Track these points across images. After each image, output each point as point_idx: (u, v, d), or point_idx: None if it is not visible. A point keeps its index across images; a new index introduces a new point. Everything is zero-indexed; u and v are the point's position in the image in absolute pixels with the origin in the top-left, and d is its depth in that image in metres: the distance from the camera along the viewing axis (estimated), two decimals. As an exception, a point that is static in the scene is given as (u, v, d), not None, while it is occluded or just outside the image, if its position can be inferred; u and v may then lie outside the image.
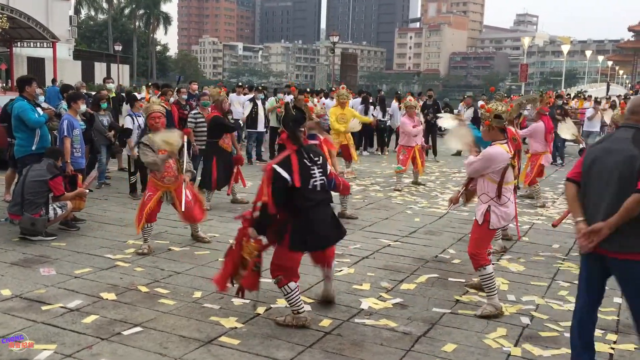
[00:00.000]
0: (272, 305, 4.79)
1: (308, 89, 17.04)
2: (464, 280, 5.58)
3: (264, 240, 4.41)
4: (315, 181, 4.31)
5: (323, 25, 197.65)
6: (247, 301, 4.86)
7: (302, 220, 4.29)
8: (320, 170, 4.37)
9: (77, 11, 64.20)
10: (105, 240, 6.63)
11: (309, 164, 4.30)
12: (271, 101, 14.92)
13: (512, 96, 8.15)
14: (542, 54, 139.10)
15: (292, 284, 4.36)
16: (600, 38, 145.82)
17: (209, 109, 8.87)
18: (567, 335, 4.38)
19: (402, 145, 10.80)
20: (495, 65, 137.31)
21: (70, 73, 36.27)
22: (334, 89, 15.58)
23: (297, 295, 4.39)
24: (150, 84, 14.95)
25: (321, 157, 4.44)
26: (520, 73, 45.78)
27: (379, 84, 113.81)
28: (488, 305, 4.77)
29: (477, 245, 4.82)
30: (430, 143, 15.11)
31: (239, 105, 14.18)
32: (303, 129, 4.51)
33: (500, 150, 4.75)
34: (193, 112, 9.47)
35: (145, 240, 6.26)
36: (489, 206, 4.76)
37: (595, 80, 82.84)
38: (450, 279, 5.64)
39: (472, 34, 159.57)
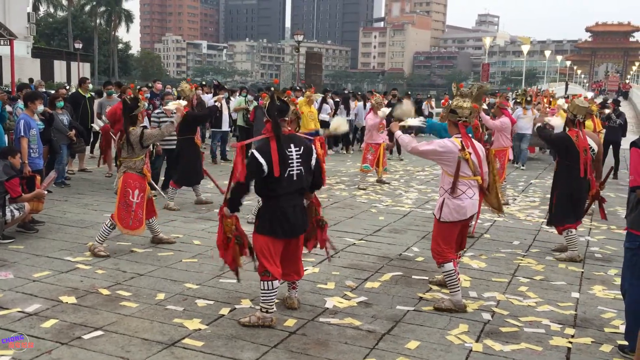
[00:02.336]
0: (236, 306, 4.76)
1: (273, 88, 16.96)
2: (427, 278, 5.65)
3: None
4: (292, 170, 4.35)
5: (288, 24, 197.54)
6: (212, 302, 4.83)
7: (272, 207, 4.37)
8: (299, 160, 4.38)
9: (35, 8, 62.51)
10: (65, 243, 6.49)
11: (288, 153, 4.33)
12: (239, 100, 14.82)
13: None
14: (503, 54, 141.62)
15: (275, 283, 4.35)
16: (559, 38, 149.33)
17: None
18: (527, 330, 4.49)
19: (369, 143, 10.87)
20: (458, 65, 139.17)
21: (29, 71, 35.36)
22: (301, 88, 15.62)
23: (273, 295, 4.38)
24: (113, 82, 14.62)
25: (302, 148, 4.43)
26: (482, 72, 46.56)
27: (344, 83, 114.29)
28: (448, 300, 4.85)
29: (436, 241, 4.90)
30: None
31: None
32: (287, 119, 4.55)
33: (447, 143, 4.83)
34: (156, 111, 9.35)
35: (103, 241, 6.12)
36: (444, 199, 4.85)
37: (554, 79, 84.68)
38: (414, 276, 5.70)
39: (435, 34, 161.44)
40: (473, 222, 5.82)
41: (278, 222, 4.35)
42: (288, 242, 4.52)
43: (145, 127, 6.68)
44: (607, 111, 14.52)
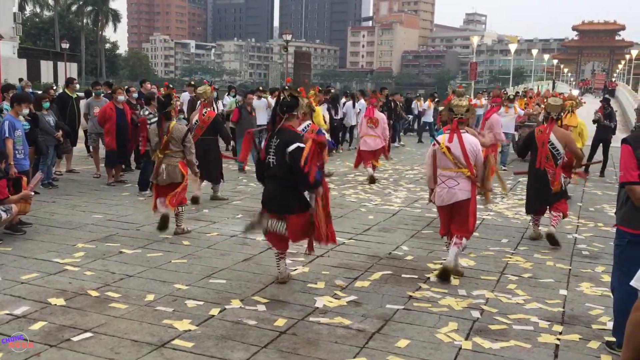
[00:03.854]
0: (226, 307, 4.76)
1: (261, 87, 16.95)
2: (417, 277, 5.67)
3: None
4: (270, 158, 5.12)
5: (276, 23, 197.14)
6: (201, 303, 4.82)
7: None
8: (274, 150, 5.07)
9: (21, 8, 61.97)
10: (53, 244, 6.45)
11: (271, 143, 5.12)
12: (230, 102, 14.77)
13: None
14: (491, 53, 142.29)
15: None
16: (546, 37, 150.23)
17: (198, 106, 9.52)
18: (516, 327, 4.53)
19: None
20: (446, 64, 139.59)
21: (16, 72, 35.07)
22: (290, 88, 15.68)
23: (277, 259, 5.37)
24: (101, 82, 14.51)
25: (279, 140, 5.05)
26: (470, 71, 46.67)
27: (333, 82, 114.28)
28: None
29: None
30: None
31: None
32: (296, 113, 5.20)
33: (431, 146, 5.69)
34: (146, 112, 9.31)
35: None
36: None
37: (541, 78, 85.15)
38: (403, 275, 5.72)
39: (423, 33, 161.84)
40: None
41: (263, 195, 5.32)
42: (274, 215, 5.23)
43: (190, 129, 7.34)
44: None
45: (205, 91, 9.11)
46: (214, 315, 4.58)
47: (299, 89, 5.81)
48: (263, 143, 5.30)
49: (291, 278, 5.45)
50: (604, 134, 13.52)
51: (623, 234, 4.03)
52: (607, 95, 26.66)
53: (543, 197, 7.05)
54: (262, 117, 13.97)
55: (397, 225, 7.93)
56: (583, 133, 10.94)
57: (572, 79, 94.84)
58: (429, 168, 5.77)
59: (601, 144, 13.50)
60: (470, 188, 5.60)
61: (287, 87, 9.91)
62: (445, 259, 6.00)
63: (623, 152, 3.96)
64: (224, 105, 15.13)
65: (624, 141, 4.00)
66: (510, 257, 6.49)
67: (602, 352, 4.14)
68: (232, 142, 13.13)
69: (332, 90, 18.09)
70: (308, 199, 5.24)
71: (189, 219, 7.81)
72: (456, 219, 5.69)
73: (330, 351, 4.03)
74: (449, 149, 5.50)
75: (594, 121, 13.80)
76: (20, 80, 19.45)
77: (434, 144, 5.62)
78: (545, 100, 17.34)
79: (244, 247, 6.54)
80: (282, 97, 5.19)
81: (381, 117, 11.39)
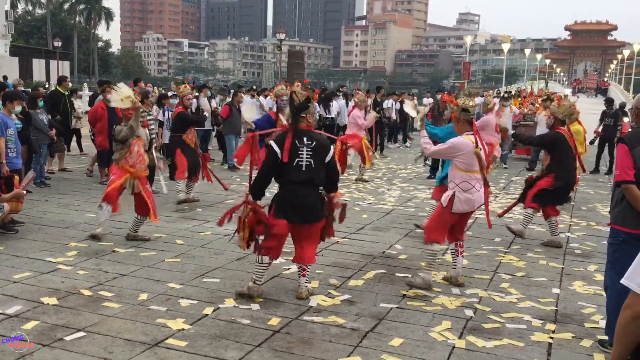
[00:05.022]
0: (219, 306, 4.75)
1: (254, 86, 16.92)
2: (410, 275, 5.67)
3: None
4: (301, 161, 4.76)
5: (270, 22, 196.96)
6: (195, 302, 4.81)
7: (284, 192, 4.82)
8: (310, 152, 4.77)
9: (13, 5, 61.55)
10: (45, 243, 6.42)
11: (299, 145, 4.76)
12: (217, 101, 14.75)
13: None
14: (484, 52, 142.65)
15: (265, 258, 4.86)
16: (539, 37, 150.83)
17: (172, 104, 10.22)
18: (509, 326, 4.54)
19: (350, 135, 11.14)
20: (440, 63, 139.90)
21: (7, 70, 34.85)
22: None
23: (263, 269, 4.89)
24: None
25: (315, 142, 4.80)
26: (463, 71, 46.75)
27: (327, 81, 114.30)
28: (419, 277, 5.31)
29: (435, 222, 5.34)
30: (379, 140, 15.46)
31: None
32: (306, 115, 4.93)
33: (465, 140, 5.20)
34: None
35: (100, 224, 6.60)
36: (454, 192, 5.23)
37: (534, 77, 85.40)
38: (397, 274, 5.72)
39: (416, 32, 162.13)
40: (487, 216, 5.85)
41: (283, 206, 4.78)
42: (300, 227, 4.87)
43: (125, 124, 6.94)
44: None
45: (174, 89, 10.07)
46: (207, 314, 4.57)
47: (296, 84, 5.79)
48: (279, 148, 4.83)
49: (312, 293, 5.09)
50: (609, 134, 13.76)
51: (617, 233, 4.05)
52: (604, 96, 26.84)
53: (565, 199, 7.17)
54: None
55: (391, 224, 7.94)
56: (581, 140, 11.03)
57: (564, 79, 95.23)
58: (441, 153, 5.53)
59: (607, 144, 13.81)
60: None
61: (296, 87, 9.92)
62: (439, 259, 6.01)
63: (619, 151, 3.98)
64: (216, 103, 15.10)
65: (620, 140, 4.02)
66: (504, 256, 6.51)
67: (595, 351, 4.16)
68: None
69: (341, 90, 18.13)
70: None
71: (184, 218, 7.79)
72: (462, 225, 5.57)
73: (324, 350, 4.03)
74: (480, 150, 5.29)
75: (591, 142, 14.00)
76: (5, 78, 19.33)
77: (476, 145, 5.19)
78: (539, 99, 17.42)
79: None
80: (294, 99, 4.95)
81: (355, 114, 11.26)
